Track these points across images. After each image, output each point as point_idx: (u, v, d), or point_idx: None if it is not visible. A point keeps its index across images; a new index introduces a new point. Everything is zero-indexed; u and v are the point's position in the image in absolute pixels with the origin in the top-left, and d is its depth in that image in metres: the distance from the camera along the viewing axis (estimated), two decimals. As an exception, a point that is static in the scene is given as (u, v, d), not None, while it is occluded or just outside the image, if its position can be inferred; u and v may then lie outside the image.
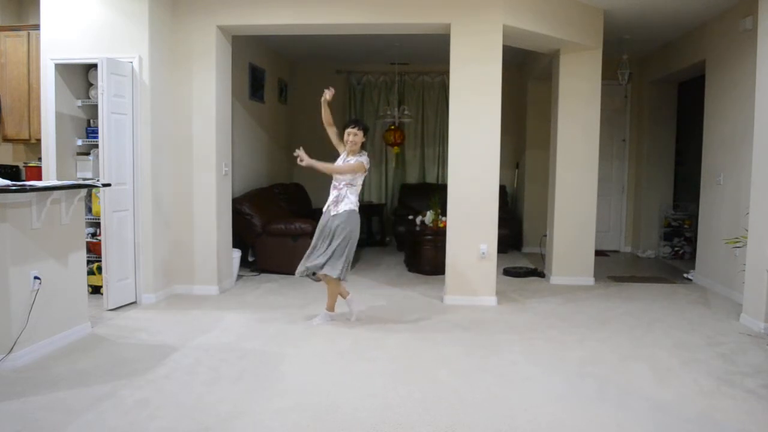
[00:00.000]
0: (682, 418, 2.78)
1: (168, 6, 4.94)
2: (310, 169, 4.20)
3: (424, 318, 4.52)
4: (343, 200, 4.19)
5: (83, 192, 3.86)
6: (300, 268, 4.27)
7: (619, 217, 8.03)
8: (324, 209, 4.29)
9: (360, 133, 4.22)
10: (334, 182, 4.28)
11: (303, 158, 4.14)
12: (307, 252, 4.29)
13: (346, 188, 4.21)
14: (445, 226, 5.17)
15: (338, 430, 2.63)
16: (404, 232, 7.07)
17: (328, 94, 4.31)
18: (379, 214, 8.39)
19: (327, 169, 4.22)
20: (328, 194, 4.27)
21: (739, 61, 5.11)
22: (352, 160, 4.22)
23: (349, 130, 4.23)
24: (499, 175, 4.98)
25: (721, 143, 5.49)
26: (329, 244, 4.16)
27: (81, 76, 4.98)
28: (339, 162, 4.27)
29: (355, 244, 4.23)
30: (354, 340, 3.94)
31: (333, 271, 4.12)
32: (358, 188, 4.27)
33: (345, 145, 4.27)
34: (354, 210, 4.21)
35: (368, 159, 4.28)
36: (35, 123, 5.05)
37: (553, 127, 6.01)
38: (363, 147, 4.31)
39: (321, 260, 4.15)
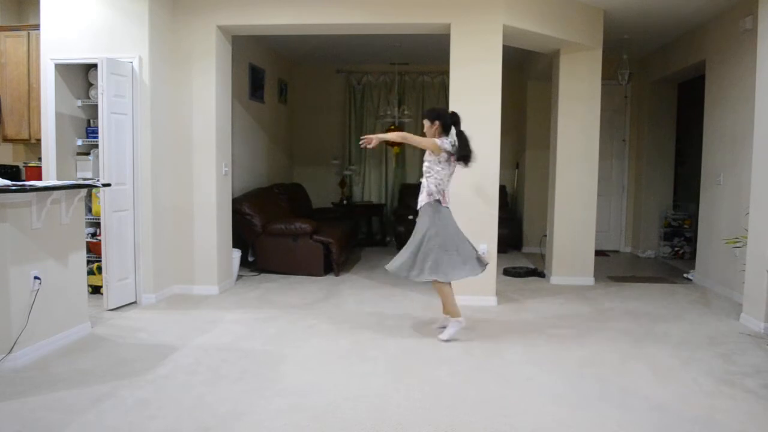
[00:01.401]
0: (682, 418, 2.78)
1: (168, 6, 4.94)
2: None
3: (424, 318, 4.52)
4: (422, 191, 3.96)
5: (83, 192, 3.86)
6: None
7: (619, 217, 8.03)
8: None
9: (426, 123, 4.00)
10: None
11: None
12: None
13: (425, 177, 3.94)
14: (445, 226, 5.15)
15: (338, 430, 2.63)
16: (404, 232, 7.07)
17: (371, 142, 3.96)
18: (379, 214, 8.37)
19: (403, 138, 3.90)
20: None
21: (739, 61, 5.11)
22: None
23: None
24: (499, 175, 4.99)
25: (721, 143, 5.49)
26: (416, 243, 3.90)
27: (81, 76, 4.98)
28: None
29: (437, 242, 3.83)
30: (354, 340, 3.94)
31: (416, 273, 3.88)
32: (435, 178, 3.87)
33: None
34: (426, 204, 3.91)
35: (443, 141, 3.88)
36: (35, 123, 5.05)
37: (553, 127, 6.01)
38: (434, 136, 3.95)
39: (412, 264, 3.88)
